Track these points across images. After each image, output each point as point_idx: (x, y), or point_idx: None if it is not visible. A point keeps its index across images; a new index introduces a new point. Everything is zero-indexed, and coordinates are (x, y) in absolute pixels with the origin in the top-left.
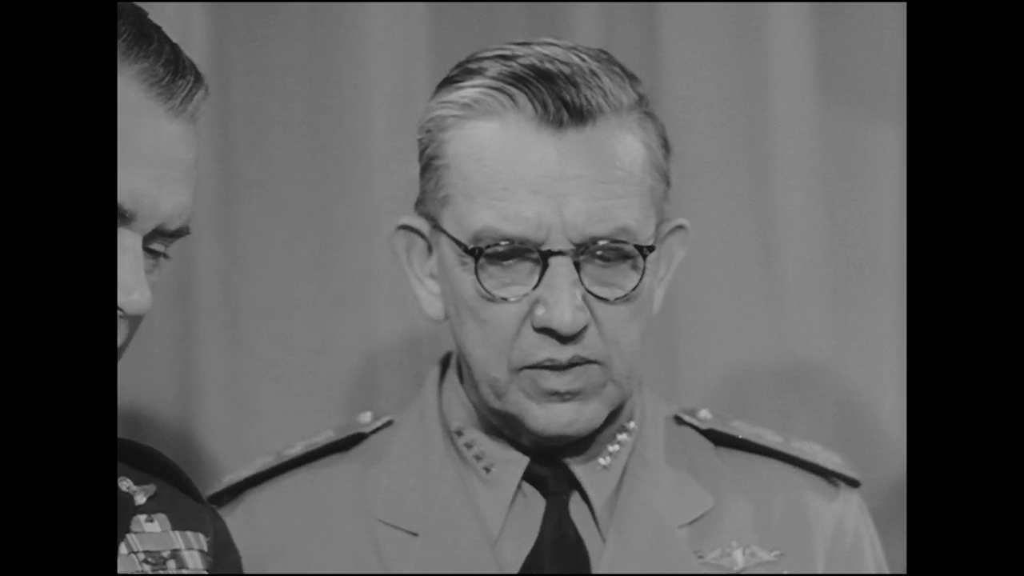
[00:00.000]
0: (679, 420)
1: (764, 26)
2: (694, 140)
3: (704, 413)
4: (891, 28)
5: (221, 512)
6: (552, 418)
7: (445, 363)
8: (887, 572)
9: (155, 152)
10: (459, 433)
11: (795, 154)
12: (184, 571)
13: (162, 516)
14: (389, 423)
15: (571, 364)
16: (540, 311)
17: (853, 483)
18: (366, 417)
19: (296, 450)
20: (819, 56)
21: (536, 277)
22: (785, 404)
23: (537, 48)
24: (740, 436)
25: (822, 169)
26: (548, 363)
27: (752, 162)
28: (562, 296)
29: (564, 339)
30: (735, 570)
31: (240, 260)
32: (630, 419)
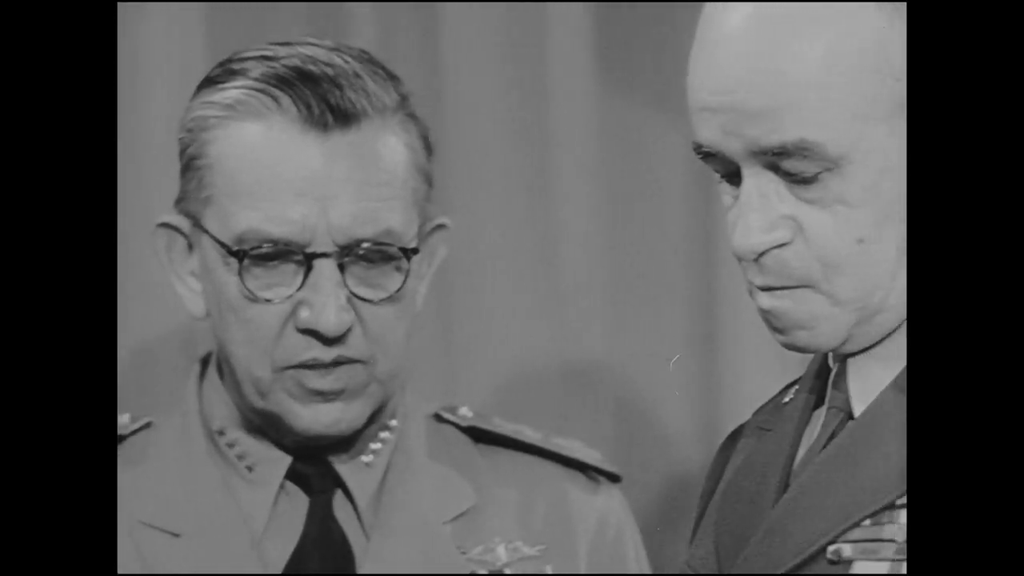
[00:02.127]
0: (440, 418)
1: (543, 24)
2: (474, 138)
3: (464, 411)
4: (670, 24)
5: None
6: (316, 418)
7: (205, 362)
8: (647, 567)
9: None
10: (221, 433)
11: (576, 152)
12: None
13: None
14: (148, 425)
15: (335, 364)
16: (304, 312)
17: (614, 478)
18: (124, 419)
19: None
20: (600, 53)
21: (300, 278)
22: (564, 403)
23: (299, 49)
24: (500, 432)
25: (603, 168)
26: (312, 363)
27: (532, 160)
28: (326, 298)
29: (328, 340)
30: (498, 565)
31: None
32: (392, 417)
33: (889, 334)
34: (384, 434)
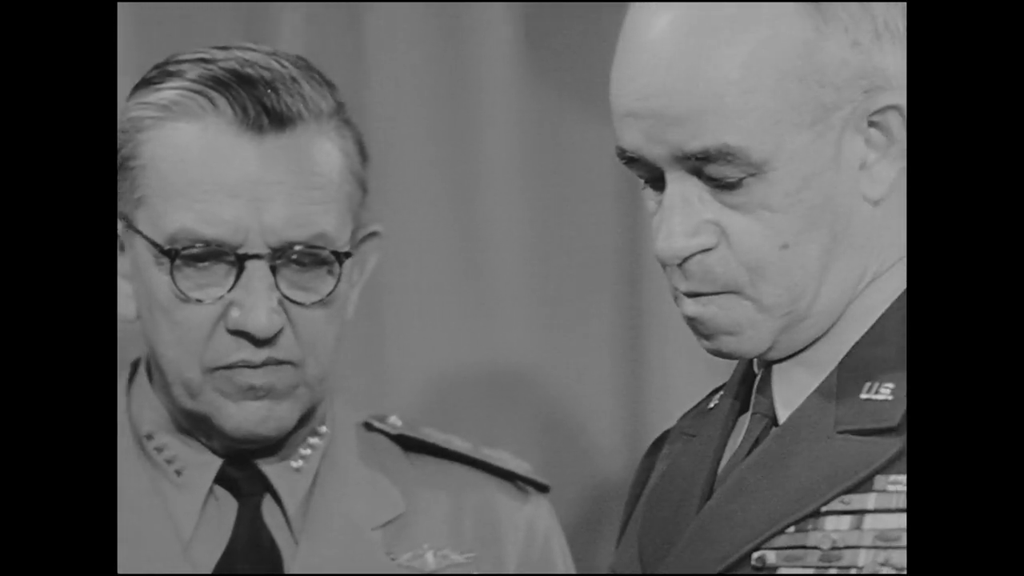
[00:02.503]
0: (369, 426)
1: (470, 32)
2: (400, 145)
3: (394, 419)
4: (596, 28)
5: None
6: (245, 416)
7: (135, 367)
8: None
9: None
10: (149, 437)
11: (504, 161)
12: None
13: None
14: None
15: (264, 365)
16: (235, 313)
17: (542, 488)
18: None
19: None
20: (527, 61)
21: (232, 280)
22: (491, 411)
23: (237, 52)
24: (430, 441)
25: (531, 174)
26: (241, 364)
27: (459, 167)
28: (258, 299)
29: (258, 342)
30: (427, 571)
31: None
32: (322, 424)
33: (815, 340)
34: (314, 440)
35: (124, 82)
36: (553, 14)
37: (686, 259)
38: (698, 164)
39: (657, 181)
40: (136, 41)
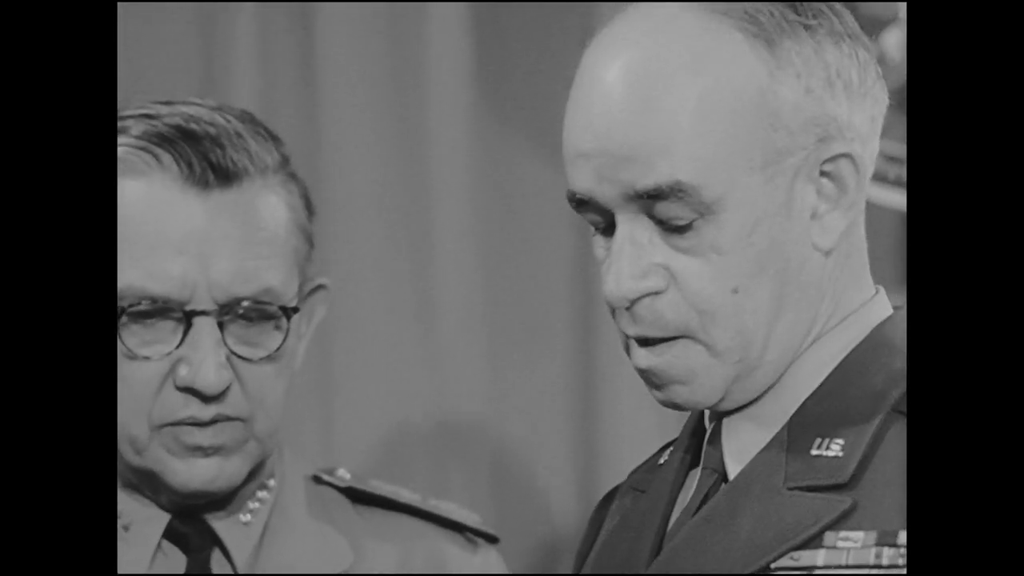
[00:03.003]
0: (318, 479)
1: (421, 86)
2: (350, 195)
3: (342, 472)
4: (551, 80)
5: None
6: (194, 474)
7: None
8: None
9: None
10: None
11: (454, 213)
12: None
13: None
14: None
15: (213, 422)
16: (183, 370)
17: (492, 540)
18: None
19: None
20: (478, 113)
21: (179, 336)
22: (441, 462)
23: (182, 108)
24: (378, 493)
25: (481, 227)
26: (190, 420)
27: (411, 218)
28: (205, 356)
29: (207, 398)
30: None
31: None
32: (271, 477)
33: (765, 394)
34: (262, 493)
35: None
36: (505, 60)
37: (635, 302)
38: (649, 203)
39: (608, 228)
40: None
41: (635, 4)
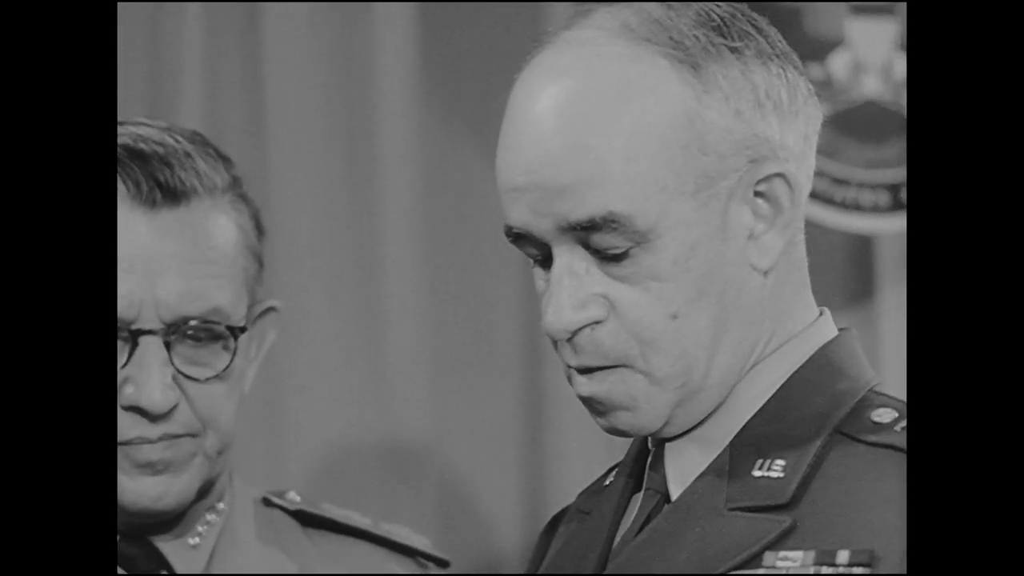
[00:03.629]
0: (268, 502)
1: (370, 111)
2: (300, 219)
3: (292, 495)
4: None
5: None
6: (143, 492)
7: None
8: None
9: None
10: None
11: (403, 233)
12: None
13: None
14: None
15: (161, 440)
16: (129, 390)
17: (442, 563)
18: None
19: None
20: (426, 136)
21: (126, 355)
22: (391, 486)
23: (131, 128)
24: (329, 517)
25: (430, 251)
26: (137, 440)
27: (359, 240)
28: (151, 375)
29: (153, 417)
30: None
31: None
32: (220, 500)
33: (708, 417)
34: (211, 516)
35: None
36: (453, 90)
37: (575, 333)
38: (584, 234)
39: (546, 260)
40: None
41: (560, 33)
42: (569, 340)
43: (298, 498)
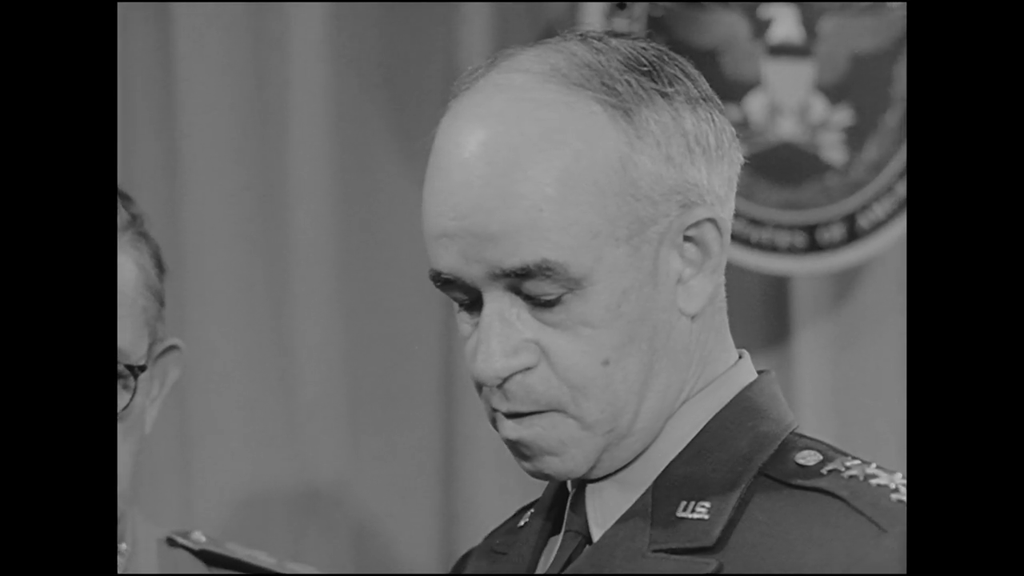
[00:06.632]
0: (172, 542)
1: (282, 141)
2: (209, 259)
3: (197, 535)
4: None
5: None
6: None
7: None
8: None
9: None
10: None
11: (313, 273)
12: None
13: None
14: None
15: None
16: None
17: None
18: None
19: None
20: (337, 168)
21: None
22: (300, 525)
23: None
24: (234, 557)
25: (342, 287)
26: None
27: (270, 280)
28: None
29: None
30: None
31: None
32: (122, 540)
33: (632, 460)
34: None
35: None
36: (368, 124)
37: (506, 379)
38: (516, 281)
39: (473, 304)
40: None
41: (485, 75)
42: (499, 387)
43: (203, 538)
